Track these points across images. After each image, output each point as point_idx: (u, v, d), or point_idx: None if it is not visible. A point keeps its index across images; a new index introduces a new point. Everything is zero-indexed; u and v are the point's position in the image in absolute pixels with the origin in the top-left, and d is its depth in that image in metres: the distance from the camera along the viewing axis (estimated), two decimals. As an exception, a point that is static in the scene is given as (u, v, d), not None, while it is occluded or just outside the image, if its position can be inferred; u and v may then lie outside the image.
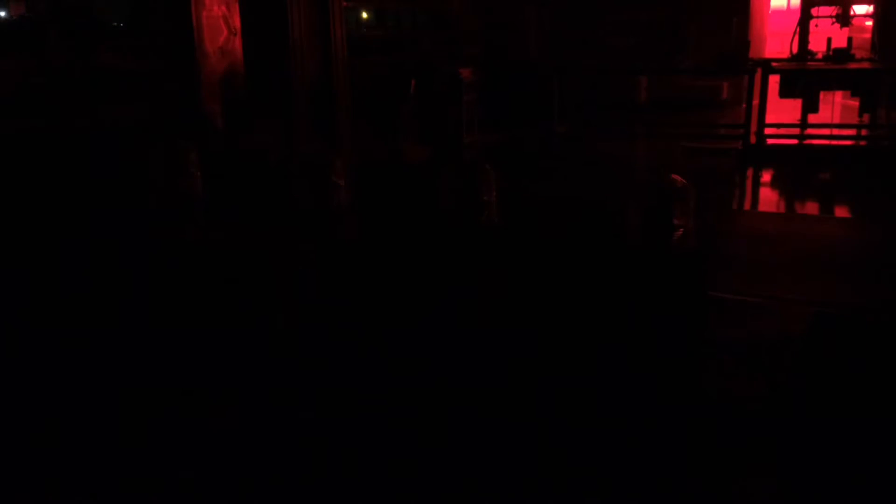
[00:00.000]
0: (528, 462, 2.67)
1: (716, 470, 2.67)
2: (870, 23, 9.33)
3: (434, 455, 2.74)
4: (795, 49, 9.03)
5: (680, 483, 2.58)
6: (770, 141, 8.53)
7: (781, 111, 9.18)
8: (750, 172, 7.98)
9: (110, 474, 2.75)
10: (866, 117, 8.94)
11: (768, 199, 7.48)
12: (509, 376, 3.12)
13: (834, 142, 8.85)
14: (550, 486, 2.57)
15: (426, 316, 3.46)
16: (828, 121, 9.03)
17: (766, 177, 7.91)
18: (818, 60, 8.71)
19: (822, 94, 8.64)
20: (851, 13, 8.89)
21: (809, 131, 8.91)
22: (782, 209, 7.01)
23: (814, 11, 9.15)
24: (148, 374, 3.39)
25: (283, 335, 3.60)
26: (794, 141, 8.97)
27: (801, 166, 8.22)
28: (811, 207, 7.09)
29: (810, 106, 8.59)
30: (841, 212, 6.87)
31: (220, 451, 2.84)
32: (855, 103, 9.17)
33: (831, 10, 8.99)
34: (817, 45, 9.08)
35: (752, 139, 8.38)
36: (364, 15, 10.42)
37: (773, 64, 8.63)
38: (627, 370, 3.01)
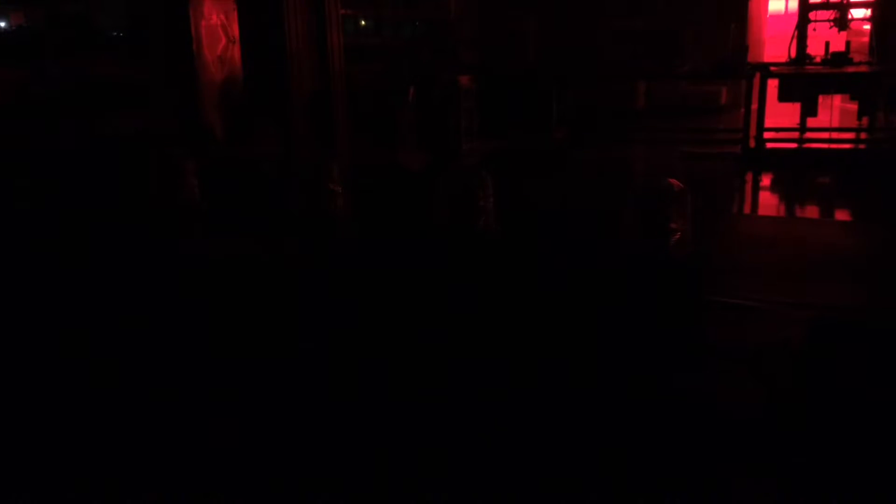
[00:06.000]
0: (526, 466, 2.66)
1: (715, 476, 2.66)
2: (868, 26, 9.34)
3: (430, 456, 2.73)
4: (794, 53, 9.04)
5: (679, 487, 2.56)
6: (769, 145, 8.54)
7: (780, 115, 9.19)
8: (749, 177, 7.98)
9: (112, 475, 2.74)
10: (865, 121, 8.95)
11: (768, 203, 7.48)
12: (505, 382, 3.11)
13: (833, 145, 8.85)
14: (550, 489, 2.56)
15: (423, 321, 3.46)
16: (827, 124, 9.03)
17: (766, 181, 7.91)
18: (816, 64, 8.72)
19: (820, 98, 8.64)
20: (849, 17, 8.91)
21: (808, 135, 8.92)
22: (782, 213, 7.01)
23: (812, 15, 9.17)
24: (149, 377, 3.39)
25: (283, 338, 3.60)
26: (794, 145, 8.98)
27: (800, 170, 8.22)
28: (811, 211, 7.09)
29: (809, 110, 8.60)
30: (841, 215, 6.86)
31: (222, 451, 2.84)
32: (854, 107, 9.18)
33: (829, 14, 9.01)
34: (815, 49, 9.09)
35: (751, 143, 8.39)
36: (362, 23, 10.44)
37: (772, 68, 8.64)
38: (625, 375, 3.00)
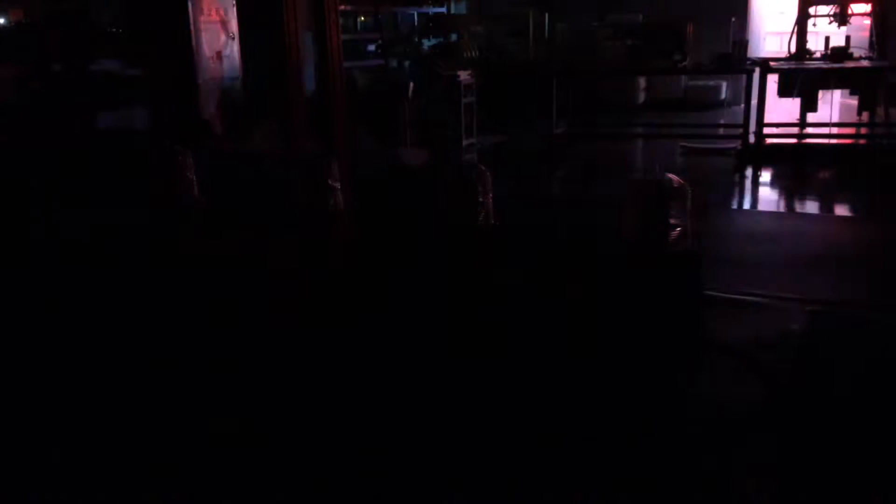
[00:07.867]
0: (522, 466, 2.66)
1: (715, 471, 2.66)
2: (867, 21, 9.32)
3: (428, 453, 2.74)
4: (793, 48, 9.02)
5: (679, 484, 2.57)
6: (769, 140, 8.53)
7: (780, 110, 9.19)
8: (749, 172, 7.98)
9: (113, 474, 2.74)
10: (865, 116, 8.94)
11: (767, 198, 7.49)
12: (503, 378, 3.11)
13: (833, 140, 8.85)
14: (546, 488, 2.56)
15: (422, 316, 3.46)
16: (826, 120, 9.02)
17: (765, 176, 7.91)
18: (816, 59, 8.71)
19: (820, 93, 8.64)
20: (849, 12, 8.89)
21: (808, 130, 8.92)
22: (781, 208, 7.01)
23: (811, 10, 9.15)
24: (147, 376, 3.39)
25: (283, 337, 3.60)
26: (793, 140, 8.97)
27: (800, 165, 8.23)
28: (810, 206, 7.10)
29: (809, 105, 8.60)
30: (840, 211, 6.87)
31: (223, 451, 2.84)
32: (854, 102, 9.17)
33: (829, 8, 8.99)
34: (815, 44, 9.08)
35: (751, 139, 8.38)
36: (361, 18, 10.42)
37: (772, 63, 8.63)
38: (624, 371, 3.01)
